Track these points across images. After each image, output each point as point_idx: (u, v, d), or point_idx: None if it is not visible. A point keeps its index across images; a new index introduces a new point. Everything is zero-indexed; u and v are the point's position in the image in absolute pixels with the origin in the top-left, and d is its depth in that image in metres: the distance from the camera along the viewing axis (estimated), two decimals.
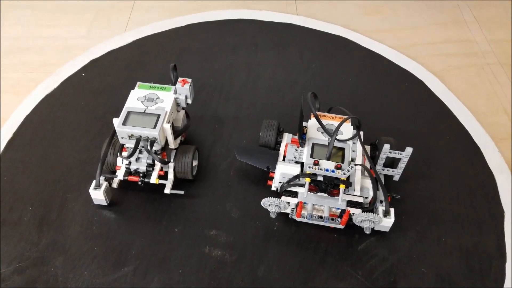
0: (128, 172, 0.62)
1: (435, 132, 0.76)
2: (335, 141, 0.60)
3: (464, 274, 0.58)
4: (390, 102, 0.81)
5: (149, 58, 0.88)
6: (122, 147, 0.62)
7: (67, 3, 1.02)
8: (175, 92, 0.63)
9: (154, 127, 0.58)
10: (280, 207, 0.59)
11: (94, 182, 0.61)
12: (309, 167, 0.57)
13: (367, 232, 0.58)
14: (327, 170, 0.56)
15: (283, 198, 0.59)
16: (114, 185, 0.63)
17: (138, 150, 0.61)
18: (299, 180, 0.58)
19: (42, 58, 0.88)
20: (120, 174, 0.62)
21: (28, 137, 0.72)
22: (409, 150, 0.60)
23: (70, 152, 0.70)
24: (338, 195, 0.56)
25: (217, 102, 0.80)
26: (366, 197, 0.58)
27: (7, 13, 0.98)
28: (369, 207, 0.58)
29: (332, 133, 0.60)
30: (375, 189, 0.58)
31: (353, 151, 0.62)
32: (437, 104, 0.81)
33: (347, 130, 0.63)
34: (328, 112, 0.68)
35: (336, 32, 0.95)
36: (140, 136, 0.58)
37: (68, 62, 0.87)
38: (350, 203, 0.58)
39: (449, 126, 0.78)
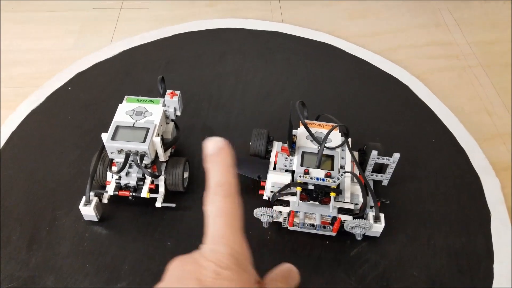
0: (119, 187, 0.62)
1: (421, 135, 0.78)
2: (324, 149, 0.61)
3: (454, 274, 0.60)
4: (376, 107, 0.82)
5: (136, 70, 0.87)
6: (111, 162, 0.62)
7: (50, 15, 1.01)
8: (164, 105, 0.63)
9: (144, 141, 0.58)
10: (272, 216, 0.60)
11: (84, 198, 0.60)
12: (300, 176, 0.57)
13: (359, 238, 0.59)
14: (317, 179, 0.57)
15: (275, 207, 0.59)
16: (105, 200, 0.63)
17: (128, 164, 0.61)
18: (290, 189, 0.58)
19: (27, 71, 0.87)
20: (110, 189, 0.61)
21: (15, 154, 0.71)
22: (396, 155, 0.61)
23: (58, 167, 0.69)
24: (329, 203, 0.57)
25: (207, 111, 0.80)
26: (356, 204, 0.59)
27: None
28: (359, 213, 0.59)
29: (321, 141, 0.60)
30: (365, 196, 0.58)
31: (342, 158, 0.63)
32: (422, 107, 0.83)
33: (335, 137, 0.64)
34: (316, 120, 0.69)
35: (321, 39, 0.96)
36: (130, 151, 0.58)
37: (54, 76, 0.86)
38: (341, 210, 0.59)
39: (434, 128, 0.79)
